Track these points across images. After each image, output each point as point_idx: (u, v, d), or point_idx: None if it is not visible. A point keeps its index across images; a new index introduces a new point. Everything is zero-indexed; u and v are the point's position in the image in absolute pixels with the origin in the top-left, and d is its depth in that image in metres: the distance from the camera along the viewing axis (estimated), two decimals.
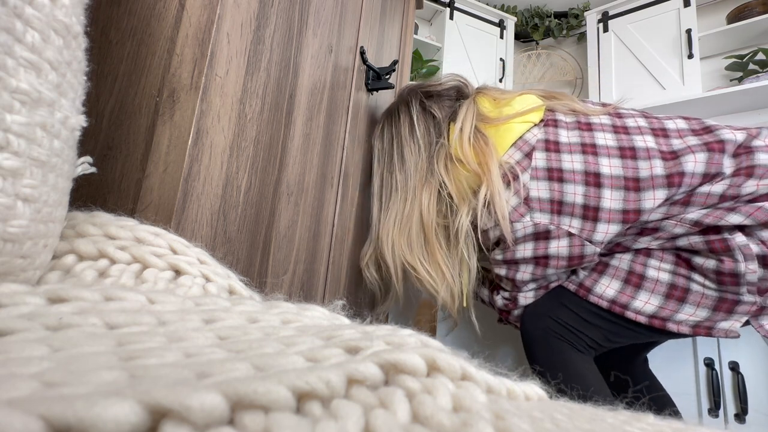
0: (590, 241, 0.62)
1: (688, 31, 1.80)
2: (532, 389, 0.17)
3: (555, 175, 0.63)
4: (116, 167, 0.33)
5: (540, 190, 0.64)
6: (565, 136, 0.66)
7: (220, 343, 0.15)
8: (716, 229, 0.58)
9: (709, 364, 1.10)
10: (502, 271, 0.71)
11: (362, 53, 0.78)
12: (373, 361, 0.13)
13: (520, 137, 0.67)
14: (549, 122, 0.68)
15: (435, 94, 0.79)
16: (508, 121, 0.69)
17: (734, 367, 1.08)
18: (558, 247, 0.64)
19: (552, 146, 0.65)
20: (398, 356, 0.14)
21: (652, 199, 0.58)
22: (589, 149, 0.63)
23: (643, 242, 0.63)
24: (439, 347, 0.17)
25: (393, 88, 0.89)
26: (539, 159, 0.65)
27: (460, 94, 0.79)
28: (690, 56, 1.78)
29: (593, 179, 0.61)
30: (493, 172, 0.65)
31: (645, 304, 0.61)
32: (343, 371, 0.12)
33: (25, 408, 0.08)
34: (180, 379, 0.11)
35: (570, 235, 0.63)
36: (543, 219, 0.64)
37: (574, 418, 0.14)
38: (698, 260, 0.59)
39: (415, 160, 0.74)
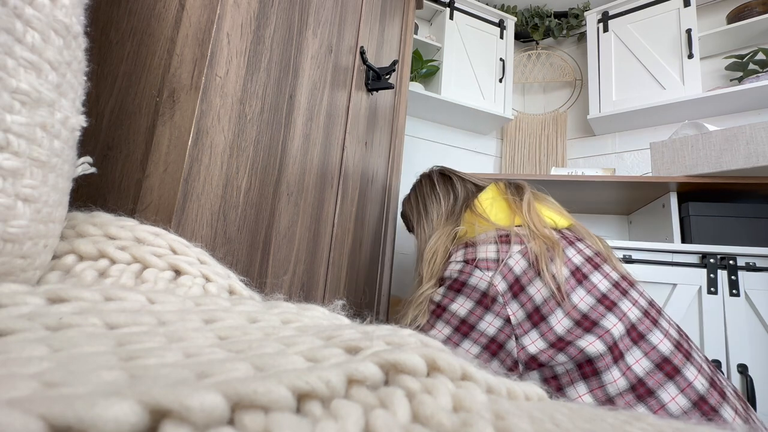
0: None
1: (688, 31, 1.80)
2: (533, 389, 0.17)
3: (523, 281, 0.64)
4: (116, 167, 0.33)
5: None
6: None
7: (220, 343, 0.15)
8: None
9: (717, 366, 1.09)
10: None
11: (362, 53, 0.78)
12: (373, 361, 0.13)
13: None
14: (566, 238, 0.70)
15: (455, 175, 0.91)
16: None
17: (743, 370, 1.08)
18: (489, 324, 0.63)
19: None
20: (398, 356, 0.14)
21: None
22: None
23: None
24: (440, 347, 0.17)
25: (393, 88, 0.89)
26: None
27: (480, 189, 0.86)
28: (690, 56, 1.78)
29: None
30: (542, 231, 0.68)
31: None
32: (343, 371, 0.12)
33: (25, 408, 0.08)
34: (180, 379, 0.11)
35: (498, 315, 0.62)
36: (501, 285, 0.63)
37: (574, 418, 0.14)
38: None
39: (437, 210, 0.85)
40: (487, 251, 0.65)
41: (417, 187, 0.94)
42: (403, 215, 1.00)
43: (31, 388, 0.09)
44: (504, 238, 0.67)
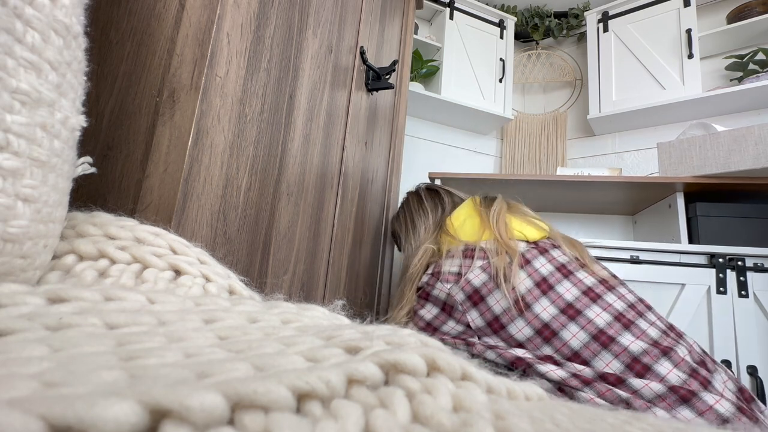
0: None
1: (688, 31, 1.80)
2: (533, 389, 0.17)
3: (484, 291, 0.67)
4: (116, 167, 0.33)
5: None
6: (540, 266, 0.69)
7: (220, 343, 0.15)
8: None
9: (727, 366, 1.09)
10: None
11: (362, 53, 0.78)
12: (373, 361, 0.13)
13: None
14: (539, 248, 0.72)
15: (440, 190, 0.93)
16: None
17: (753, 371, 1.07)
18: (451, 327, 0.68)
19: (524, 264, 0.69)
20: (398, 356, 0.14)
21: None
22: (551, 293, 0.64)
23: None
24: (440, 347, 0.17)
25: (393, 88, 0.89)
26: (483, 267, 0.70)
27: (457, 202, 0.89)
28: (690, 56, 1.78)
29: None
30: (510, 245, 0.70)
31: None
32: (343, 371, 0.12)
33: (25, 408, 0.08)
34: (180, 379, 0.11)
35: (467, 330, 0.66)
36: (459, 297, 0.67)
37: (574, 418, 0.14)
38: None
39: (425, 223, 0.87)
40: (451, 265, 0.71)
41: (404, 204, 0.96)
42: (393, 234, 1.01)
43: (31, 388, 0.09)
44: (469, 253, 0.72)
